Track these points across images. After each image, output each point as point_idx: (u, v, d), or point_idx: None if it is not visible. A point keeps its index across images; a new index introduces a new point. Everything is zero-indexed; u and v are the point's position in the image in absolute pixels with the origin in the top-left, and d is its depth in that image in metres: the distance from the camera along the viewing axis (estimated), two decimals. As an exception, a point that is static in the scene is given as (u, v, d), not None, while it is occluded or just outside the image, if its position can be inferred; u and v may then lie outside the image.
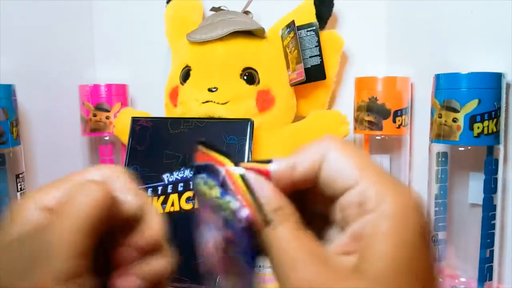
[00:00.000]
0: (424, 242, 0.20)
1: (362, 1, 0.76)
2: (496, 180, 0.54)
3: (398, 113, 0.66)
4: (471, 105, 0.53)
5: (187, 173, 0.60)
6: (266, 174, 0.23)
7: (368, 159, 0.22)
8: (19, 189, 0.63)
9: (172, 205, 0.60)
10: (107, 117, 0.77)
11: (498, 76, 0.53)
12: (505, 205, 0.57)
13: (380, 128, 0.66)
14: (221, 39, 0.67)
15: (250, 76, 0.68)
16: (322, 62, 0.68)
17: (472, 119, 0.53)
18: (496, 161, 0.54)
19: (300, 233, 0.21)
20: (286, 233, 0.21)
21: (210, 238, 0.24)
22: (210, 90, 0.67)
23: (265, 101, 0.68)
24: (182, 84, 0.70)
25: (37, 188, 0.23)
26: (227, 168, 0.23)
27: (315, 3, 0.71)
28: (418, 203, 0.21)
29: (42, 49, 0.76)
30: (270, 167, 0.23)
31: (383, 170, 0.22)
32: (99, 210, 0.21)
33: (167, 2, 0.79)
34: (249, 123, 0.63)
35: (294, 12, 0.72)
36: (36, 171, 0.73)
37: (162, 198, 0.60)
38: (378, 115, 0.66)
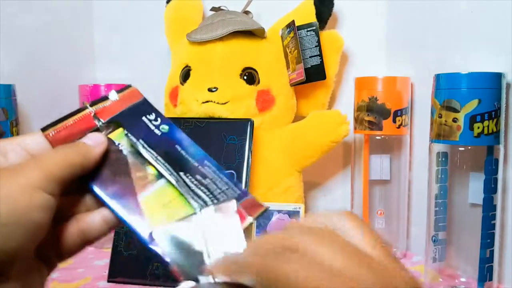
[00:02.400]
0: None
1: (362, 1, 0.76)
2: (496, 180, 0.54)
3: (398, 113, 0.66)
4: (471, 105, 0.53)
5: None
6: None
7: (346, 246, 0.21)
8: (19, 189, 0.63)
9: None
10: (107, 117, 0.77)
11: (498, 76, 0.53)
12: (505, 205, 0.57)
13: (380, 128, 0.66)
14: (221, 39, 0.67)
15: (250, 76, 0.68)
16: (322, 62, 0.68)
17: (472, 119, 0.53)
18: (496, 161, 0.54)
19: None
20: None
21: None
22: (210, 90, 0.67)
23: (265, 101, 0.68)
24: (182, 84, 0.70)
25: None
26: None
27: (315, 3, 0.71)
28: None
29: (42, 49, 0.76)
30: None
31: (363, 255, 0.21)
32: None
33: (167, 2, 0.79)
34: (249, 123, 0.63)
35: (294, 12, 0.72)
36: (36, 171, 0.72)
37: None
38: (378, 115, 0.66)
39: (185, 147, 0.30)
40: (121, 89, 0.32)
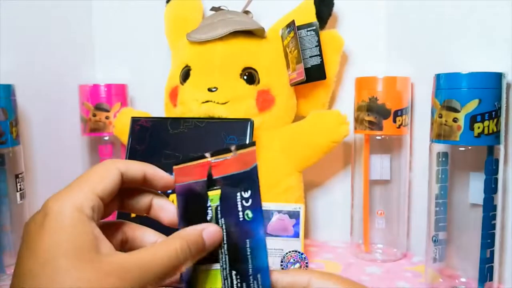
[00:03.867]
0: None
1: (362, 1, 0.76)
2: (496, 180, 0.54)
3: (398, 113, 0.66)
4: (472, 105, 0.53)
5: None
6: None
7: (343, 278, 0.28)
8: (18, 189, 0.63)
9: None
10: (107, 117, 0.77)
11: (498, 76, 0.53)
12: (505, 205, 0.57)
13: (380, 128, 0.66)
14: (221, 39, 0.67)
15: (250, 76, 0.68)
16: (322, 62, 0.68)
17: (472, 119, 0.53)
18: (497, 161, 0.54)
19: None
20: None
21: None
22: (210, 90, 0.67)
23: (265, 101, 0.68)
24: (182, 84, 0.70)
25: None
26: None
27: (315, 3, 0.71)
28: None
29: (41, 49, 0.76)
30: None
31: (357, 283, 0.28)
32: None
33: (167, 2, 0.79)
34: (249, 123, 0.63)
35: (294, 12, 0.72)
36: (36, 171, 0.72)
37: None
38: (378, 115, 0.66)
39: (254, 246, 0.27)
40: (244, 145, 0.28)
